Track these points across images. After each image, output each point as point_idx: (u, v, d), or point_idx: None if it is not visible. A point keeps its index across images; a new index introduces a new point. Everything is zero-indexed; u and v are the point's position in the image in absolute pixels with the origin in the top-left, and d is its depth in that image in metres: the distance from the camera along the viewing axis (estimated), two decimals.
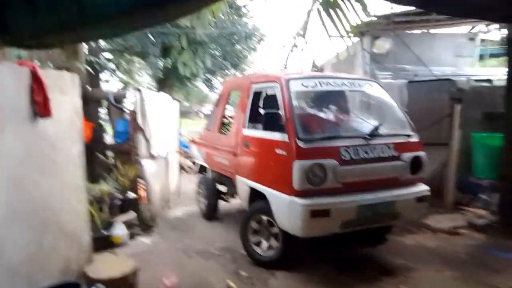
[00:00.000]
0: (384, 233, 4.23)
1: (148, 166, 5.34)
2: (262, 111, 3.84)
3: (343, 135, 3.61)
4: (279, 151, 3.55)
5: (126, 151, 5.13)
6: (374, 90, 4.32)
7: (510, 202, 4.17)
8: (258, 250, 3.97)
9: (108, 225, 4.52)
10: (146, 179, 5.22)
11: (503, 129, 4.28)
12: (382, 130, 3.73)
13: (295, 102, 3.74)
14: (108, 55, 15.50)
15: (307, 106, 4.41)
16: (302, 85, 3.87)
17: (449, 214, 5.17)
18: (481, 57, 11.94)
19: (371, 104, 6.45)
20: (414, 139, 3.80)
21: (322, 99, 4.37)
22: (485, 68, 9.63)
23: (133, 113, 5.06)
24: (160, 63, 15.07)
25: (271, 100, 3.86)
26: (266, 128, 3.67)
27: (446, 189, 5.41)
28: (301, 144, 3.32)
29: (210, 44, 16.11)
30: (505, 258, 3.72)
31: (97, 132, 5.46)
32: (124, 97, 5.29)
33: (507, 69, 4.29)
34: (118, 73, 17.22)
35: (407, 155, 3.64)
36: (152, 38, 14.28)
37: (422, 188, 3.76)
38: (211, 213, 5.59)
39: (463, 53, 8.32)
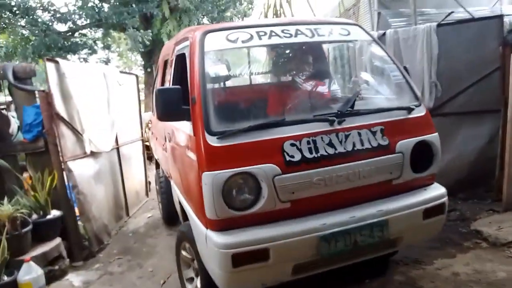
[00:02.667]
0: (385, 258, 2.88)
1: (82, 169, 3.83)
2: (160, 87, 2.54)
3: (292, 119, 2.17)
4: (189, 153, 2.26)
5: (42, 151, 3.61)
6: (355, 37, 2.86)
7: None
8: None
9: (14, 265, 3.09)
10: (78, 188, 3.72)
11: None
12: (362, 104, 2.45)
13: (211, 69, 2.53)
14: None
15: (234, 74, 3.17)
16: (227, 39, 2.40)
17: (511, 213, 3.61)
18: None
19: (349, 62, 4.98)
20: (418, 113, 2.37)
21: (262, 60, 3.39)
22: None
23: (45, 95, 3.49)
24: (143, 36, 13.48)
25: (183, 70, 2.52)
26: (162, 116, 2.22)
27: (501, 173, 3.85)
28: (212, 141, 2.00)
29: (196, 11, 14.58)
30: None
31: None
32: (33, 73, 3.71)
33: None
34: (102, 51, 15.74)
35: (406, 143, 2.24)
36: (129, 8, 12.70)
37: (434, 192, 2.34)
38: (169, 217, 4.31)
39: None
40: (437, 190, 2.37)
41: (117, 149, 4.75)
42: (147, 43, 13.79)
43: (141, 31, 13.50)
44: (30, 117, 3.54)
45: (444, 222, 2.43)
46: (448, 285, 2.68)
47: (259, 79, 4.03)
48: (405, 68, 2.64)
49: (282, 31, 2.49)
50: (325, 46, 3.31)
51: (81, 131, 3.86)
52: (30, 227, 3.28)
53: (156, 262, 3.59)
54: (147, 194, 5.85)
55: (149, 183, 6.03)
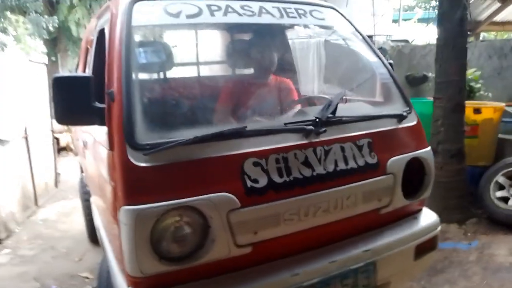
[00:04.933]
0: None
1: None
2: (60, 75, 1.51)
3: (255, 127, 1.54)
4: (103, 171, 1.61)
5: None
6: (331, 23, 2.19)
7: (440, 181, 3.62)
8: None
9: None
10: None
11: (436, 94, 3.64)
12: (344, 109, 1.72)
13: (140, 52, 1.81)
14: None
15: (172, 61, 2.29)
16: (166, 12, 1.71)
17: None
18: (394, 20, 11.92)
19: (325, 55, 4.63)
20: (410, 121, 1.87)
21: (214, 44, 2.62)
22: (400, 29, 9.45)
23: None
24: (48, 22, 12.57)
25: (103, 52, 1.77)
26: (60, 117, 1.48)
27: None
28: (136, 158, 1.33)
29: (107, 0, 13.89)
30: (441, 249, 3.15)
31: None
32: None
33: (438, 29, 3.59)
34: None
35: (397, 161, 1.74)
36: None
37: (428, 220, 1.92)
38: (93, 233, 3.08)
39: (378, 13, 7.80)
40: (428, 218, 1.92)
41: (26, 138, 4.71)
42: (52, 30, 12.95)
43: (45, 16, 12.65)
44: None
45: (432, 260, 1.99)
46: None
47: (208, 71, 3.05)
48: (390, 64, 2.07)
49: (242, 7, 1.85)
50: (291, 32, 2.62)
51: None
52: None
53: (70, 243, 3.75)
54: (56, 185, 5.79)
55: (59, 174, 5.96)
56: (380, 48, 5.29)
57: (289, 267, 1.50)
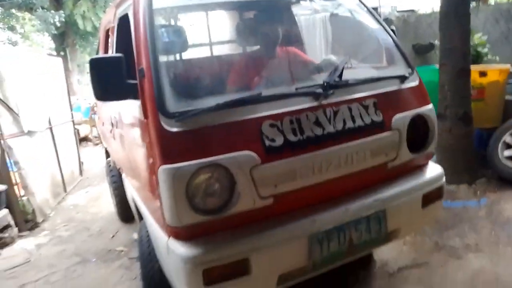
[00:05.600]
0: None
1: (21, 146, 4.08)
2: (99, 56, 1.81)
3: (270, 93, 1.70)
4: (138, 141, 1.82)
5: None
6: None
7: (449, 143, 3.76)
8: None
9: None
10: (19, 164, 3.98)
11: (441, 61, 3.74)
12: (350, 73, 1.87)
13: (163, 31, 1.97)
14: None
15: (191, 41, 2.48)
16: None
17: None
18: None
19: (330, 25, 4.75)
20: (412, 82, 2.01)
21: (227, 22, 2.76)
22: None
23: None
24: (54, 17, 12.76)
25: (127, 36, 1.95)
26: (100, 94, 1.70)
27: None
28: (169, 125, 1.52)
29: None
30: (452, 207, 3.33)
31: None
32: None
33: None
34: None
35: (401, 118, 1.88)
36: None
37: (433, 172, 2.03)
38: (125, 214, 3.70)
39: None
40: (434, 171, 2.04)
41: (51, 129, 4.97)
42: (59, 24, 13.14)
43: (52, 11, 12.82)
44: None
45: (442, 208, 2.17)
46: None
47: (224, 46, 3.28)
48: (393, 31, 2.21)
49: None
50: (298, 6, 2.75)
51: (17, 111, 4.08)
52: None
53: (102, 224, 4.03)
54: (81, 173, 6.09)
55: (82, 163, 6.26)
56: (386, 19, 5.36)
57: (308, 215, 1.67)
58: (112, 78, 1.65)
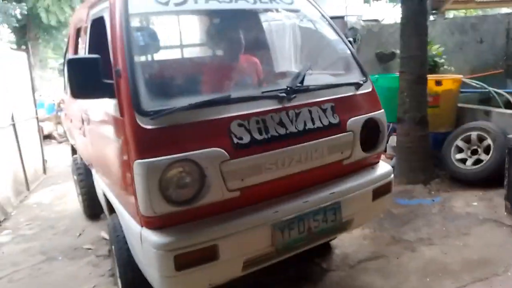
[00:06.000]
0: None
1: None
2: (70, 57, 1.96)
3: (237, 95, 1.86)
4: (114, 138, 1.93)
5: None
6: (298, 7, 2.56)
7: (407, 146, 4.03)
8: None
9: None
10: None
11: (400, 68, 4.00)
12: (311, 79, 2.08)
13: (138, 35, 2.10)
14: None
15: (165, 44, 2.69)
16: (157, 1, 2.05)
17: None
18: (365, 1, 12.27)
19: (292, 34, 5.47)
20: (366, 89, 2.24)
21: (199, 28, 2.93)
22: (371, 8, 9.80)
23: None
24: (15, 9, 12.24)
25: (101, 37, 2.10)
26: (77, 93, 1.81)
27: None
28: (144, 122, 1.65)
29: None
30: (408, 205, 3.57)
31: None
32: None
33: (401, 8, 3.94)
34: None
35: (356, 120, 2.10)
36: None
37: (383, 170, 2.29)
38: (92, 210, 3.78)
39: None
40: (383, 169, 2.29)
41: (13, 125, 4.82)
42: (20, 17, 12.61)
43: (13, 3, 12.30)
44: None
45: (389, 201, 2.42)
46: None
47: (195, 50, 3.50)
48: (350, 42, 2.42)
49: None
50: (265, 16, 2.94)
51: None
52: None
53: (68, 222, 3.96)
54: (44, 172, 5.92)
55: (46, 161, 6.08)
56: (352, 28, 5.62)
57: (271, 206, 1.86)
58: (90, 78, 1.75)
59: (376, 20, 7.69)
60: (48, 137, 7.97)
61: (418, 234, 3.04)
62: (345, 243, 3.03)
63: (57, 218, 4.16)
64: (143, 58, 2.21)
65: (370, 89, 2.25)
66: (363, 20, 7.22)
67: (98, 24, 2.26)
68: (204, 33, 2.99)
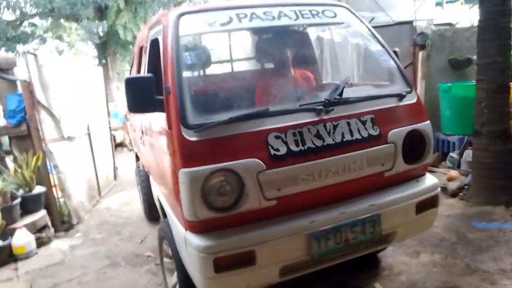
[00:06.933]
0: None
1: (61, 151, 4.30)
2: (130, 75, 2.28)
3: (276, 109, 1.95)
4: (163, 147, 2.10)
5: (24, 134, 4.04)
6: (342, 20, 2.54)
7: (485, 162, 3.61)
8: None
9: (7, 232, 3.55)
10: (58, 167, 4.21)
11: (478, 76, 3.62)
12: (351, 91, 2.16)
13: (187, 55, 2.28)
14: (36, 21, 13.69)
15: (212, 60, 2.87)
16: (205, 22, 2.21)
17: None
18: (437, 3, 11.46)
19: (338, 47, 4.84)
20: (410, 100, 2.19)
21: (242, 45, 3.18)
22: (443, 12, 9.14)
23: (27, 85, 3.93)
24: (98, 27, 13.43)
25: (157, 57, 2.28)
26: (132, 107, 2.03)
27: None
28: (189, 135, 1.79)
29: (151, 3, 14.54)
30: (487, 229, 3.18)
31: None
32: (14, 64, 4.11)
33: (479, 10, 3.57)
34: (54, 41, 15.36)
35: (397, 132, 2.07)
36: None
37: (426, 184, 2.20)
38: (151, 213, 4.00)
39: None
40: (429, 181, 2.21)
41: (89, 135, 5.21)
42: (101, 34, 13.80)
43: (96, 22, 13.50)
44: (13, 104, 3.95)
45: (437, 215, 2.31)
46: None
47: (239, 67, 3.71)
48: (395, 52, 2.40)
49: (264, 13, 2.26)
50: (310, 30, 2.95)
51: (58, 117, 4.32)
52: (19, 200, 3.74)
53: (133, 229, 4.17)
54: (115, 178, 6.33)
55: (117, 168, 6.50)
56: (421, 33, 5.24)
57: (307, 216, 1.90)
58: (143, 94, 1.95)
59: (449, 24, 7.11)
60: (120, 145, 8.53)
61: (500, 265, 2.68)
62: (412, 269, 2.78)
63: (123, 224, 4.39)
64: (190, 77, 2.39)
65: (414, 100, 2.22)
66: (434, 25, 6.73)
67: (155, 44, 2.46)
68: (249, 50, 3.22)
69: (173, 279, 2.48)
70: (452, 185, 4.05)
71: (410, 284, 2.60)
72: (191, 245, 1.81)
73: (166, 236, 2.32)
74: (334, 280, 2.70)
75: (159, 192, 2.61)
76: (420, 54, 4.88)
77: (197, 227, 1.82)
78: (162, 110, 1.99)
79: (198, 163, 1.74)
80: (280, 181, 1.83)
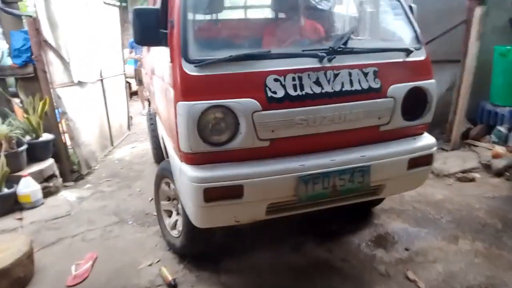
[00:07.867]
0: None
1: (70, 96, 4.01)
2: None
3: (278, 52, 1.95)
4: (164, 81, 2.17)
5: (31, 76, 3.74)
6: None
7: None
8: (173, 232, 2.62)
9: (13, 180, 3.37)
10: (67, 114, 3.94)
11: None
12: (358, 43, 2.13)
13: None
14: None
15: (222, 5, 2.96)
16: None
17: (457, 151, 4.15)
18: None
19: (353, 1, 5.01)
20: (418, 56, 2.13)
21: None
22: None
23: (33, 21, 3.56)
24: None
25: None
26: (139, 39, 2.03)
27: (453, 118, 4.34)
28: (189, 69, 1.80)
29: None
30: None
31: None
32: None
33: None
34: None
35: (399, 87, 2.04)
36: None
37: (423, 142, 2.18)
38: (159, 156, 3.95)
39: None
40: (426, 140, 2.21)
41: (101, 81, 4.89)
42: None
43: None
44: (18, 42, 3.62)
45: (429, 174, 2.31)
46: (394, 203, 3.21)
47: (253, 14, 3.73)
48: (410, 7, 2.33)
49: None
50: None
51: (68, 60, 3.98)
52: (25, 146, 3.53)
53: (144, 184, 3.95)
54: (129, 128, 6.09)
55: (131, 117, 6.24)
56: None
57: (298, 160, 1.94)
58: (149, 26, 1.97)
59: None
60: (135, 93, 8.17)
61: None
62: (449, 257, 2.45)
63: (135, 177, 4.18)
64: (194, 13, 2.27)
65: (423, 57, 2.16)
66: None
67: None
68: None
69: (172, 218, 2.63)
70: (498, 163, 3.61)
71: (447, 275, 2.28)
72: (185, 175, 1.89)
73: (167, 173, 2.41)
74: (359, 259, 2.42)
75: (163, 131, 2.65)
76: (477, 11, 4.21)
77: (191, 159, 1.89)
78: (165, 44, 2.00)
79: (196, 97, 1.78)
80: (274, 123, 1.87)
